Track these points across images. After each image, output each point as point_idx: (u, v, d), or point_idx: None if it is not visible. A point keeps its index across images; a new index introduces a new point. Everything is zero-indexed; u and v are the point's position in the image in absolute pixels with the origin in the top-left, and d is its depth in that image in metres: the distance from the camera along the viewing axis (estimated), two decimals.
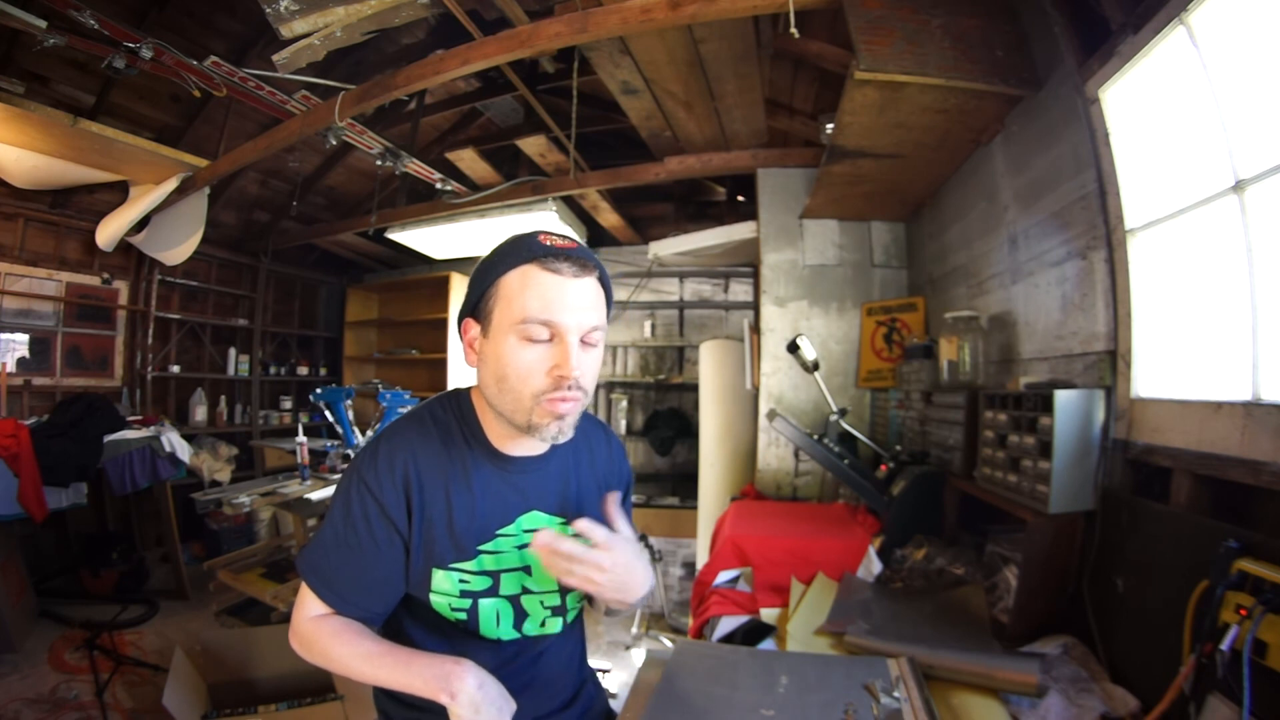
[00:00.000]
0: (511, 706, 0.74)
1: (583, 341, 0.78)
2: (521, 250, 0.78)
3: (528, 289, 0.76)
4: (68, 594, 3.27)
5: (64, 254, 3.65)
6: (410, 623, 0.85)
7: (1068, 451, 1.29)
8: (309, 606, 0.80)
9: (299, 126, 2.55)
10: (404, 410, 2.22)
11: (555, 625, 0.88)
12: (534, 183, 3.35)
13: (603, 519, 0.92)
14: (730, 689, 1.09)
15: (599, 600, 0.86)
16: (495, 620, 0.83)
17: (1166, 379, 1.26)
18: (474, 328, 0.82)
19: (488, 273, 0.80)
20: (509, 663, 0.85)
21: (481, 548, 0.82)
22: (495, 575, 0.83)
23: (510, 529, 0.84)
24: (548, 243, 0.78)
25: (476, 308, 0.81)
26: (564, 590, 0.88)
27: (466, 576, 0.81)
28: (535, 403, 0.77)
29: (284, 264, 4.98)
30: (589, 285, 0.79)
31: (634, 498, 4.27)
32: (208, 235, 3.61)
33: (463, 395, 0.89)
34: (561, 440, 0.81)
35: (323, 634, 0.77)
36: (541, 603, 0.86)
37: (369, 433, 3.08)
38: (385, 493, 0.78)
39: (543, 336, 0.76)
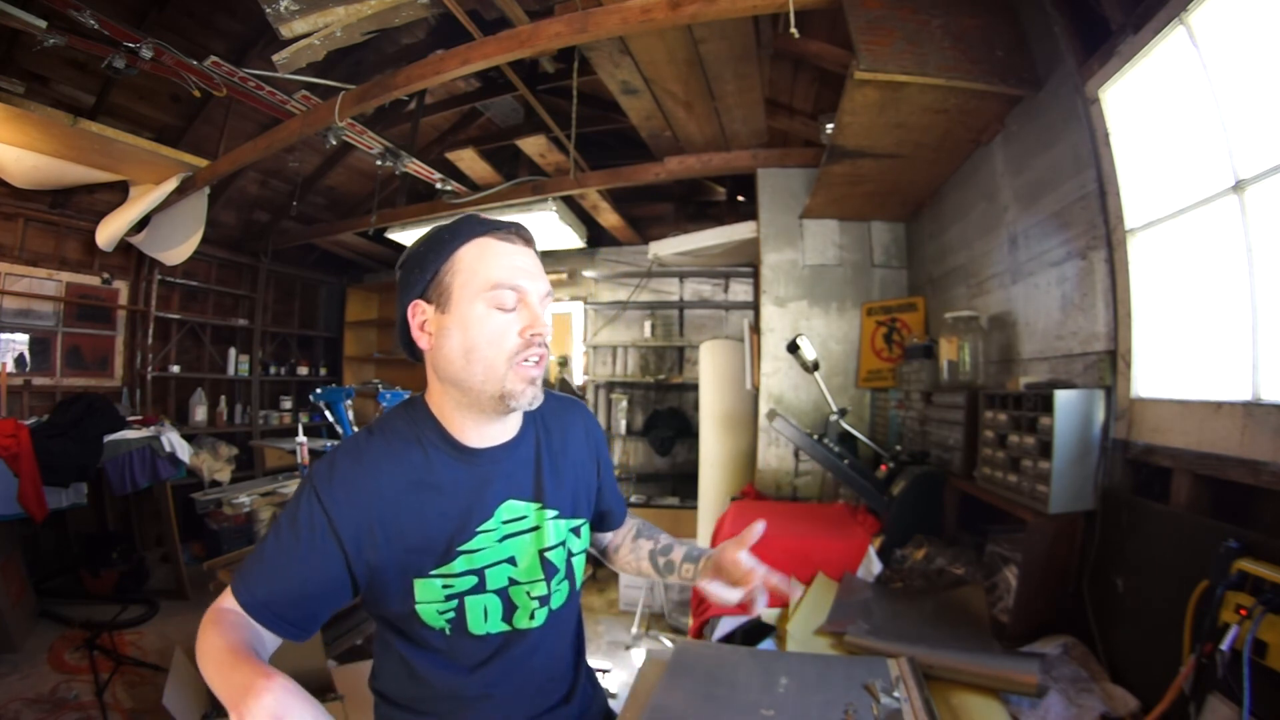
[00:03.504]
0: None
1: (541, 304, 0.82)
2: (472, 226, 0.81)
3: (490, 259, 0.79)
4: (68, 594, 3.27)
5: (64, 254, 3.65)
6: (400, 642, 0.84)
7: (1068, 451, 1.29)
8: (224, 598, 0.75)
9: (299, 126, 2.56)
10: None
11: (542, 616, 0.87)
12: (534, 183, 3.36)
13: (583, 501, 0.95)
14: (730, 689, 1.09)
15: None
16: (483, 616, 0.82)
17: (1166, 379, 1.26)
18: (425, 309, 0.80)
19: (438, 251, 0.80)
20: (497, 655, 0.84)
21: (461, 548, 0.80)
22: (480, 572, 0.81)
23: (490, 523, 0.83)
24: (490, 220, 0.82)
25: (428, 287, 0.80)
26: (548, 578, 0.87)
27: (450, 581, 0.80)
28: (509, 367, 0.78)
29: (284, 264, 4.98)
30: (534, 255, 0.84)
31: (635, 498, 4.29)
32: (208, 235, 3.62)
33: (417, 401, 0.87)
34: (535, 405, 0.81)
35: (211, 624, 0.71)
36: (528, 593, 0.85)
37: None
38: (336, 507, 0.75)
39: (509, 303, 0.78)
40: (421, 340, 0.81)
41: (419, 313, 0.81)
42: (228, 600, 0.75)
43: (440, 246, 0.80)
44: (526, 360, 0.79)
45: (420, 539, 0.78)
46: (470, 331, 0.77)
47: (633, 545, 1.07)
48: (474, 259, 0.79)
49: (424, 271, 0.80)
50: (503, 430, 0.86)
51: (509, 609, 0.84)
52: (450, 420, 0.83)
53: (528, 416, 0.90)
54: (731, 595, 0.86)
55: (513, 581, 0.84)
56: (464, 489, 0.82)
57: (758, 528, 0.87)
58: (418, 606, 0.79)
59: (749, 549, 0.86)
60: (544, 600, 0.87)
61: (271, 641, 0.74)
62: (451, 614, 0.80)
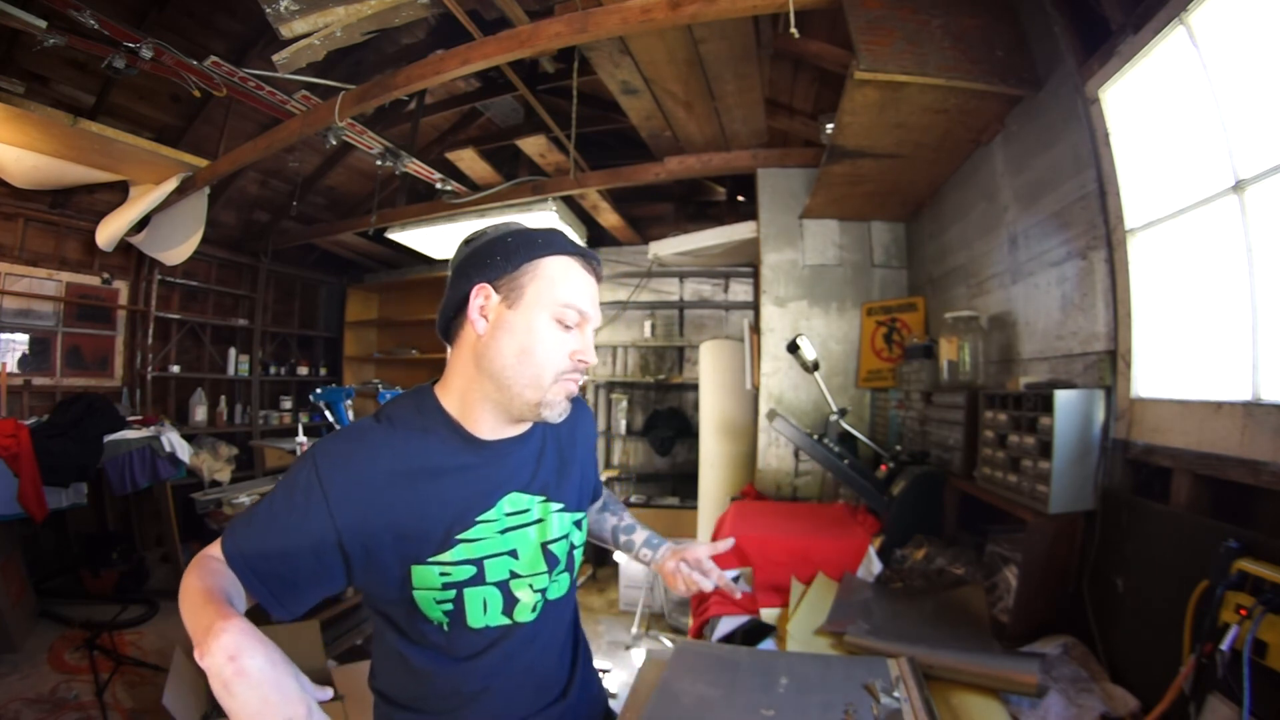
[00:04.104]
0: (294, 684, 0.57)
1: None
2: (564, 242, 0.85)
3: (571, 278, 0.83)
4: (68, 594, 3.27)
5: (64, 254, 3.65)
6: (398, 639, 0.84)
7: (1068, 451, 1.29)
8: (212, 546, 0.76)
9: (299, 126, 2.55)
10: None
11: (539, 608, 0.88)
12: (534, 183, 3.36)
13: (585, 495, 0.99)
14: (730, 689, 1.10)
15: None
16: (482, 608, 0.82)
17: (1166, 379, 1.26)
18: (491, 295, 0.82)
19: (528, 250, 0.82)
20: (493, 646, 0.84)
21: (460, 536, 0.80)
22: (479, 563, 0.81)
23: (491, 514, 0.83)
24: (578, 244, 0.88)
25: (502, 277, 0.82)
26: (549, 570, 0.88)
27: (447, 568, 0.80)
28: (556, 380, 0.82)
29: (284, 264, 4.98)
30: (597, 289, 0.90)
31: (635, 498, 4.30)
32: (208, 235, 3.61)
33: (424, 391, 0.88)
34: (562, 419, 0.85)
35: (194, 567, 0.72)
36: (531, 586, 0.86)
37: None
38: (335, 486, 0.75)
39: (572, 323, 0.83)
40: (478, 324, 0.82)
41: (483, 295, 0.82)
42: (214, 549, 0.76)
43: (530, 246, 0.83)
44: (569, 379, 0.84)
45: (418, 525, 0.78)
46: (532, 336, 0.80)
47: (597, 516, 1.14)
48: (557, 272, 0.82)
49: (506, 261, 0.82)
50: (515, 426, 0.88)
51: (509, 602, 0.84)
52: (468, 409, 0.84)
53: None
54: (705, 583, 1.04)
55: (514, 575, 0.84)
56: (467, 478, 0.82)
57: (729, 542, 1.10)
58: (415, 593, 0.79)
59: (712, 556, 1.06)
60: (542, 592, 0.88)
61: (243, 598, 0.72)
62: (450, 605, 0.80)
